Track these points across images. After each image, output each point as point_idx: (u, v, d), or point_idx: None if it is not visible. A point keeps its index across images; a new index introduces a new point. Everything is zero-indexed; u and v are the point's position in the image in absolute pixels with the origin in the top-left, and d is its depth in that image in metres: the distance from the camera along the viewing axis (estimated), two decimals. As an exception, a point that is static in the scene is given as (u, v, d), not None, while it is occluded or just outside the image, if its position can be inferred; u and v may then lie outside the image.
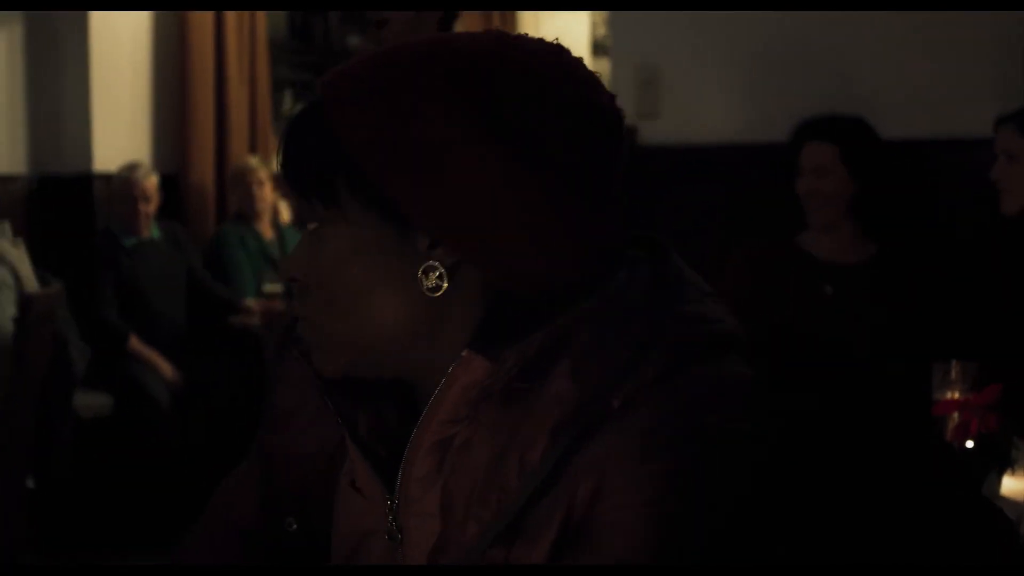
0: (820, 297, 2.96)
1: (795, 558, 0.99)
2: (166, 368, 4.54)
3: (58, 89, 4.97)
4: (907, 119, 3.31)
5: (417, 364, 1.01)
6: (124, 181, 4.69)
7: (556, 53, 1.00)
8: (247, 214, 5.07)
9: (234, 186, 5.14)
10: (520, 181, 0.95)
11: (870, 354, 2.78)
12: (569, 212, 0.97)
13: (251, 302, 4.83)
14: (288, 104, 6.75)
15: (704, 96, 3.78)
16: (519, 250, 0.96)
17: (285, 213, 5.38)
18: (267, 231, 5.11)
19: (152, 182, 4.72)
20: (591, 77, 1.01)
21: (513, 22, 6.65)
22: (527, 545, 0.94)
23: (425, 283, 0.97)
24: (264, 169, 5.10)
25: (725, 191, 3.71)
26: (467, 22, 7.49)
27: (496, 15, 6.51)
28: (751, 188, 3.61)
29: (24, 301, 3.20)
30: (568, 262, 0.98)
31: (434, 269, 0.97)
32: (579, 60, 1.01)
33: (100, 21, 4.97)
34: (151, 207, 4.73)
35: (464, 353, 0.97)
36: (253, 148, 5.53)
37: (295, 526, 1.10)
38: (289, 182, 1.02)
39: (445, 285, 0.97)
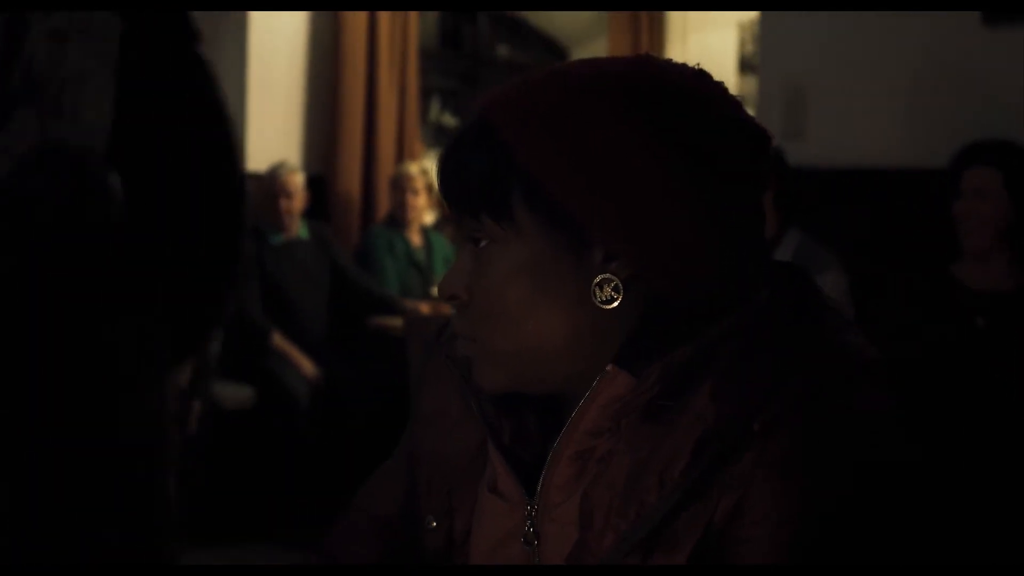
0: (972, 328, 2.89)
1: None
2: (307, 365, 4.60)
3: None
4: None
5: (573, 377, 1.03)
6: (268, 179, 4.80)
7: (702, 75, 1.03)
8: (399, 219, 5.15)
9: (391, 191, 5.20)
10: (691, 192, 0.98)
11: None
12: (731, 225, 1.00)
13: (412, 304, 4.86)
14: (435, 111, 6.83)
15: (853, 117, 3.72)
16: (690, 263, 0.98)
17: (429, 218, 5.44)
18: (415, 237, 5.18)
19: (296, 179, 4.80)
20: (735, 98, 1.04)
21: (660, 39, 6.62)
22: (665, 556, 0.96)
23: (599, 296, 1.00)
24: (421, 177, 5.16)
25: (871, 216, 3.65)
26: (616, 40, 7.46)
27: (644, 33, 6.48)
28: (898, 214, 3.55)
29: None
30: (725, 276, 1.00)
31: (609, 282, 0.99)
32: (722, 83, 1.04)
33: (260, 24, 5.11)
34: (295, 204, 4.79)
35: (609, 368, 1.00)
36: (400, 154, 5.62)
37: (435, 524, 1.13)
38: (455, 201, 1.04)
39: (619, 297, 1.00)
